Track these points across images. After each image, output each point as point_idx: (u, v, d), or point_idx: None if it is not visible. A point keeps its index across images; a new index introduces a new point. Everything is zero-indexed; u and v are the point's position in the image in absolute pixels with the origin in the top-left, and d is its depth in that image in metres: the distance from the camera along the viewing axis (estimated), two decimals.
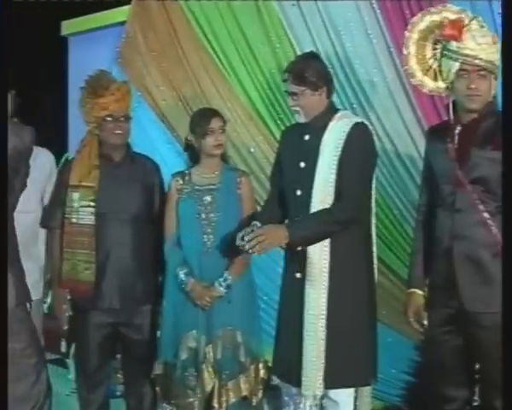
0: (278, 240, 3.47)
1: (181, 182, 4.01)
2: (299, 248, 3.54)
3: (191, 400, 3.93)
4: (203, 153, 4.00)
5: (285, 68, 3.72)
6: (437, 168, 3.54)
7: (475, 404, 3.52)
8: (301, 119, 3.65)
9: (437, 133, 3.61)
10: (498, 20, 4.24)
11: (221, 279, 3.89)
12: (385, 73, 4.54)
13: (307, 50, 4.67)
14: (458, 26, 3.39)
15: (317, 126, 3.62)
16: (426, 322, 3.59)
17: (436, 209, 3.53)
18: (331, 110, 3.69)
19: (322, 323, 3.52)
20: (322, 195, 3.54)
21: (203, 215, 3.95)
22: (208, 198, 3.97)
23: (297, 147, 3.69)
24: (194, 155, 4.07)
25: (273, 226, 3.54)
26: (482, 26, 3.40)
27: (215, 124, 3.97)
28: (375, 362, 3.68)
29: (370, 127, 3.75)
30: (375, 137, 4.49)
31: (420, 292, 3.61)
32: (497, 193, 3.32)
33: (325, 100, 3.68)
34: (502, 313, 3.06)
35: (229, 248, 3.77)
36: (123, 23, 5.52)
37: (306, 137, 3.65)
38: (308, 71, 3.62)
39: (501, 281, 3.22)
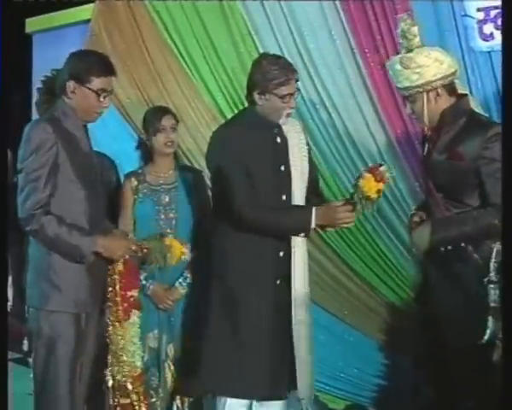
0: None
1: (136, 182, 3.96)
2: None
3: (154, 400, 3.91)
4: (155, 151, 3.97)
5: (290, 71, 3.42)
6: None
7: None
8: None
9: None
10: (462, 22, 4.25)
11: (181, 279, 3.88)
12: (347, 73, 4.57)
13: (271, 50, 4.70)
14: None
15: (281, 127, 3.51)
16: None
17: None
18: None
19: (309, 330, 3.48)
20: (301, 197, 3.48)
21: (162, 215, 3.92)
22: (166, 198, 3.92)
23: (271, 149, 3.49)
24: (146, 153, 4.03)
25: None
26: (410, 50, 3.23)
27: (166, 121, 3.95)
28: None
29: None
30: (337, 136, 4.58)
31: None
32: (462, 200, 3.24)
33: None
34: (502, 312, 2.99)
35: None
36: (88, 21, 5.49)
37: (278, 140, 3.51)
38: None
39: None
